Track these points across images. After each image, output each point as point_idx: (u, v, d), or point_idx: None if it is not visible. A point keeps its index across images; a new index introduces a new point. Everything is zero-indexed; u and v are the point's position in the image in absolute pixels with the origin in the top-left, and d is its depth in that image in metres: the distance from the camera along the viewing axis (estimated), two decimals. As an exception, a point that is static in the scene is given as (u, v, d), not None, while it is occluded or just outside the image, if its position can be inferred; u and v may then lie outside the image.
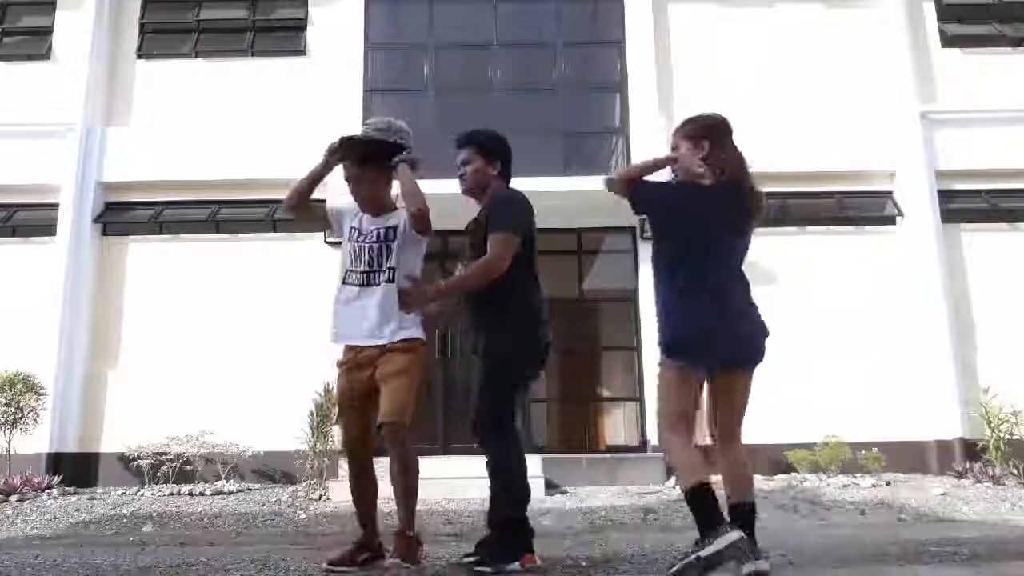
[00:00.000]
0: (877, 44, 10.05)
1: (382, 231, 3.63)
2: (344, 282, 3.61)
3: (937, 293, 9.15)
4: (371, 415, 3.51)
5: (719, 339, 3.14)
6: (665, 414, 3.22)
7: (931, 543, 4.50)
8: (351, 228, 3.70)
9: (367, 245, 3.61)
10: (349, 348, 3.60)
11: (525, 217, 3.66)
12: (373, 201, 3.70)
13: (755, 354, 3.24)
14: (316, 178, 3.67)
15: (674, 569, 2.92)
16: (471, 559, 3.62)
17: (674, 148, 3.44)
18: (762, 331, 3.25)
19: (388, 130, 3.67)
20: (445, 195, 9.92)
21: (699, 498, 2.99)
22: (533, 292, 3.70)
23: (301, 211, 3.79)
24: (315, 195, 3.82)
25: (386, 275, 3.55)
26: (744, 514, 3.13)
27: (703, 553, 2.84)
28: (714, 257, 3.21)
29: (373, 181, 3.67)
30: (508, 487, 3.53)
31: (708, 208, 3.23)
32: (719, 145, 3.34)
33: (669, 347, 3.19)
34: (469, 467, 8.14)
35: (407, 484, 3.50)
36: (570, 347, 9.86)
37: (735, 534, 2.85)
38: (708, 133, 3.39)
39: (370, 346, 3.51)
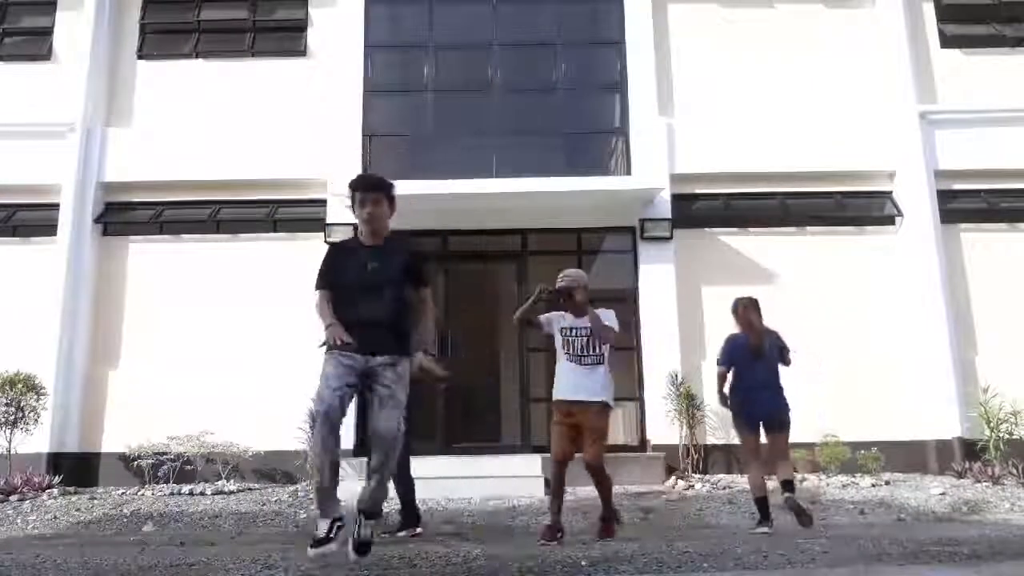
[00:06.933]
0: (877, 44, 10.06)
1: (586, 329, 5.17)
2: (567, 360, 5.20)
3: (936, 293, 9.16)
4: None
5: None
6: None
7: (930, 543, 4.51)
8: (561, 328, 5.21)
9: (578, 339, 5.16)
10: (563, 401, 5.14)
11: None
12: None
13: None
14: (529, 312, 5.20)
15: (753, 532, 5.55)
16: None
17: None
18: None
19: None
20: (445, 195, 9.94)
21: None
22: None
23: (526, 325, 5.41)
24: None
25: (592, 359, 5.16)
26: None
27: (759, 530, 5.56)
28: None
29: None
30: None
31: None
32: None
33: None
34: (469, 467, 8.19)
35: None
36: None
37: (770, 528, 5.56)
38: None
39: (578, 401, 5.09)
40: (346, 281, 4.17)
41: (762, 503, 5.66)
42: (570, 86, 10.27)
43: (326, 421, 3.82)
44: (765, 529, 5.52)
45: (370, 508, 3.98)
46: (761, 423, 5.79)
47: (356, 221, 4.42)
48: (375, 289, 4.12)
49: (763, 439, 5.87)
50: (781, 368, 5.88)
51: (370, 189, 4.26)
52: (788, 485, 5.65)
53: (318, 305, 4.19)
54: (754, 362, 5.73)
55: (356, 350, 3.95)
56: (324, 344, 4.00)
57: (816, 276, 9.40)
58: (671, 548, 4.40)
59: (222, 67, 10.27)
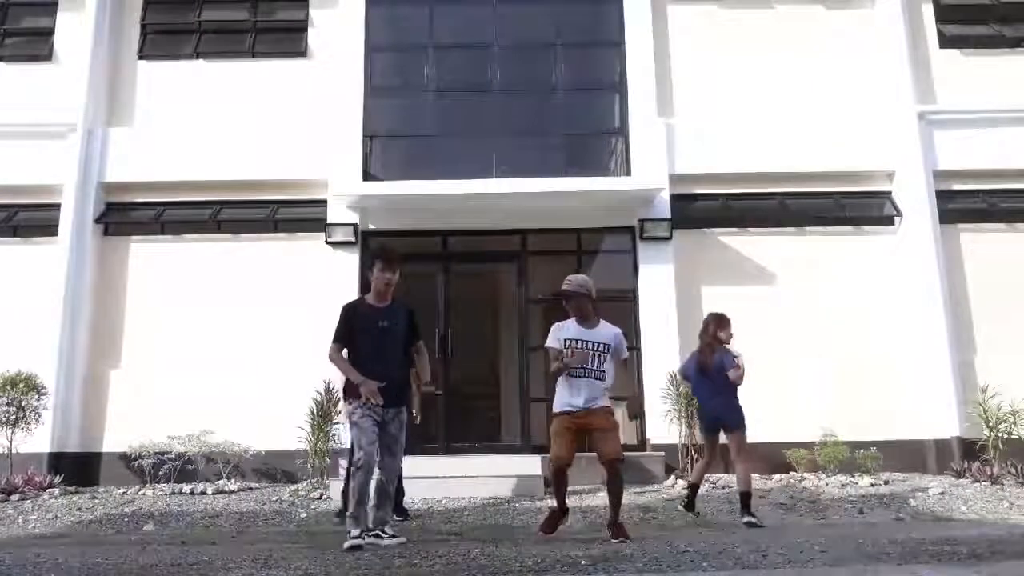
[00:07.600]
0: (876, 45, 10.07)
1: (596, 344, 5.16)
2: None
3: (935, 293, 9.17)
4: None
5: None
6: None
7: (929, 542, 4.52)
8: (567, 339, 5.15)
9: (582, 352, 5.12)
10: (567, 412, 5.14)
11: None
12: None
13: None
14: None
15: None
16: None
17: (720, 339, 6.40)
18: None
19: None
20: (445, 195, 9.95)
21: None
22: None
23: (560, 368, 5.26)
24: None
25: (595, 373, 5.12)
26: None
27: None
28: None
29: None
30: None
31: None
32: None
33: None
34: (469, 467, 8.20)
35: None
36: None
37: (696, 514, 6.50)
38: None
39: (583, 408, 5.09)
40: (365, 339, 5.02)
41: (694, 489, 6.60)
42: (570, 87, 10.28)
43: (368, 470, 4.87)
44: (691, 514, 6.51)
45: (379, 521, 5.03)
46: (721, 425, 6.37)
47: (372, 279, 5.22)
48: (389, 346, 5.05)
49: (724, 440, 6.44)
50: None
51: (398, 262, 5.15)
52: (746, 498, 6.20)
53: (334, 358, 5.07)
54: (705, 374, 6.38)
55: (382, 404, 4.88)
56: (349, 400, 4.99)
57: (815, 276, 9.41)
58: (671, 547, 4.41)
59: (223, 68, 10.28)
